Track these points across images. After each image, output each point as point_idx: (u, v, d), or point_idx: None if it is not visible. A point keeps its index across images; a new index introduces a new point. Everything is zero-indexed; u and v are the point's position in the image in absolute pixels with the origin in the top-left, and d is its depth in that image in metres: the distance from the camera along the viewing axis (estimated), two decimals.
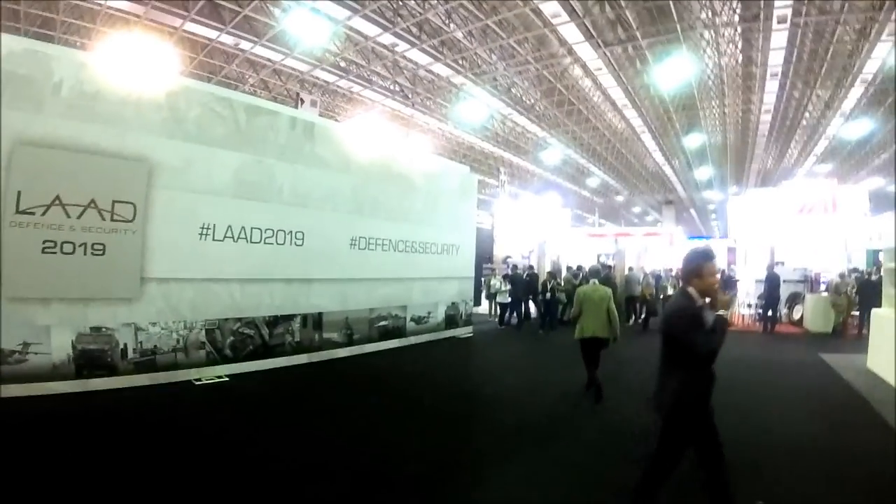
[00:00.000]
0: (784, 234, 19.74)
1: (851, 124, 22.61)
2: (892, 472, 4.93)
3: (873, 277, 14.99)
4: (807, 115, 23.86)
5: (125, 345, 7.08)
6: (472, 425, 6.46)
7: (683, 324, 3.33)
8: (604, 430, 6.22)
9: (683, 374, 3.35)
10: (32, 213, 6.29)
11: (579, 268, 16.30)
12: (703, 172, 34.58)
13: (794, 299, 17.07)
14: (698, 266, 3.46)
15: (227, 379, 7.86)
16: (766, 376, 9.10)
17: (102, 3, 14.02)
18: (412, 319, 11.84)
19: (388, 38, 16.92)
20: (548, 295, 14.94)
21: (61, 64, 6.64)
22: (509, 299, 16.00)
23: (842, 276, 15.62)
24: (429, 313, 12.37)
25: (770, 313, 15.18)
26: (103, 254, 6.83)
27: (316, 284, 9.60)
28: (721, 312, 3.47)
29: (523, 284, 15.90)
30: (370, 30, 16.28)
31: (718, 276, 3.58)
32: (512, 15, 15.81)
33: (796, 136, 27.11)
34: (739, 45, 17.86)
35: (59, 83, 6.58)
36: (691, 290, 3.44)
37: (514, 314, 16.06)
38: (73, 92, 6.68)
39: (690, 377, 3.35)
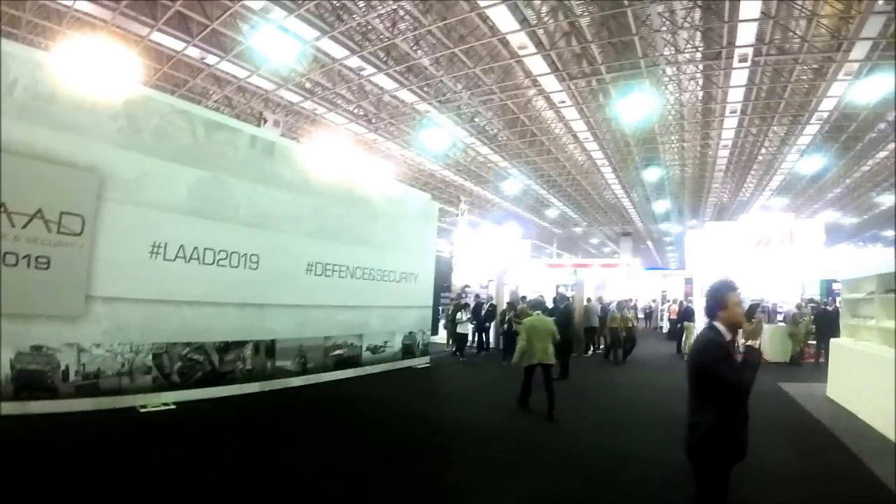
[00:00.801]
0: (741, 266, 20.13)
1: (806, 159, 23.43)
2: (860, 496, 5.06)
3: (829, 308, 15.39)
4: (763, 150, 24.59)
5: (67, 366, 6.56)
6: (439, 458, 6.17)
7: (713, 358, 3.13)
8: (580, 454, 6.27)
9: (716, 413, 3.14)
10: None
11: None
12: (661, 205, 35.25)
13: None
14: (723, 297, 3.27)
15: (173, 407, 7.37)
16: None
17: (69, 4, 13.60)
18: (368, 348, 11.48)
19: (354, 62, 16.81)
20: (504, 326, 14.88)
21: (17, 62, 6.21)
22: (469, 328, 15.91)
23: (799, 306, 15.96)
24: (385, 342, 12.02)
25: None
26: (48, 268, 6.35)
27: (270, 310, 9.19)
28: (750, 343, 3.32)
29: (485, 314, 16.22)
30: (337, 52, 16.14)
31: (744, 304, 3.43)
32: (479, 45, 15.92)
33: (753, 170, 27.91)
34: (700, 82, 18.34)
35: (14, 83, 6.14)
36: (718, 323, 3.25)
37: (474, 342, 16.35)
38: (27, 93, 6.25)
39: (723, 416, 3.14)
